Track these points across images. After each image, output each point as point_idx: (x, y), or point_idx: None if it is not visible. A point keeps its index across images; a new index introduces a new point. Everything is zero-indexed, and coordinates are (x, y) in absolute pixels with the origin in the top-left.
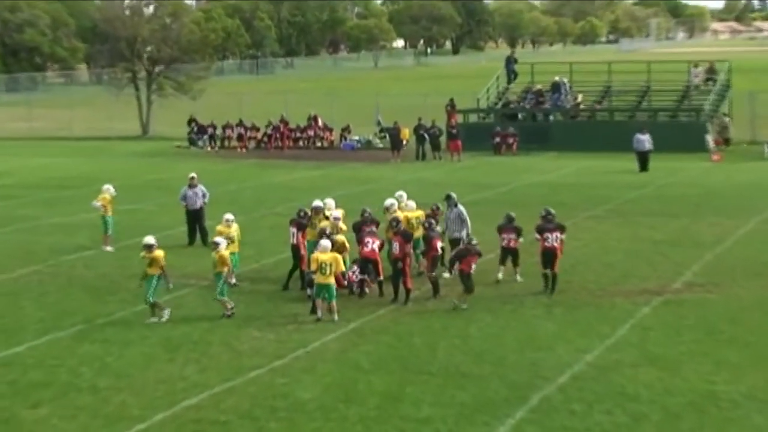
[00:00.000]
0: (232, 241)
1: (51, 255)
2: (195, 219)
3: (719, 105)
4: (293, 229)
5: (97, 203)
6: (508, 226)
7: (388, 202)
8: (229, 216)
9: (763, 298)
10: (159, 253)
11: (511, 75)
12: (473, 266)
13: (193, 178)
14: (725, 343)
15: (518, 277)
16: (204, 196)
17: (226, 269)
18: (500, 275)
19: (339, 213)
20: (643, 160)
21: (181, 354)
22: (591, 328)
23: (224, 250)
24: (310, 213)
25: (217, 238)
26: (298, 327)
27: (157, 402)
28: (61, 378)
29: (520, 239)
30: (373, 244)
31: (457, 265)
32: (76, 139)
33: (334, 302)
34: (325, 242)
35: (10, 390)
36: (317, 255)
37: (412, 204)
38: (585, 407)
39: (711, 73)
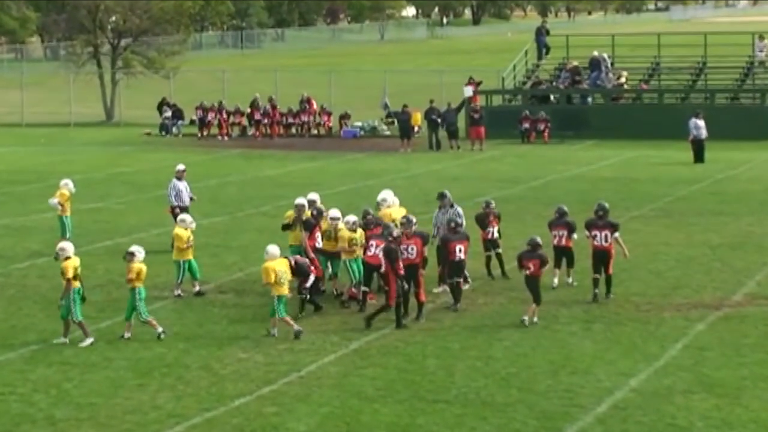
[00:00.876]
0: (189, 246)
1: None
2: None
3: None
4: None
5: (55, 200)
6: (560, 221)
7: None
8: (186, 217)
9: None
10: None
11: (543, 49)
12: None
13: (181, 170)
14: None
15: (571, 280)
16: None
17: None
18: (556, 280)
19: (337, 212)
20: (699, 149)
21: (154, 379)
22: (636, 348)
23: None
24: (319, 210)
25: (134, 248)
26: (291, 347)
27: None
28: (12, 408)
29: (574, 236)
30: (376, 248)
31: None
32: (28, 126)
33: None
34: (273, 249)
35: None
36: (271, 264)
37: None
38: None
39: None
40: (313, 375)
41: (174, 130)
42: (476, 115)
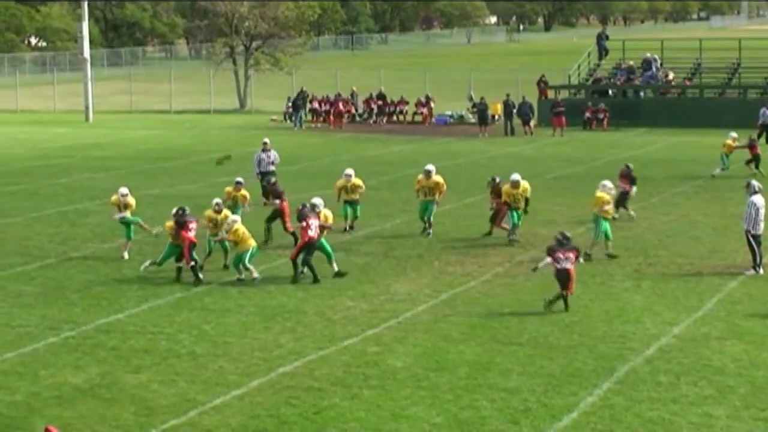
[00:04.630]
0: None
1: (151, 224)
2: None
3: None
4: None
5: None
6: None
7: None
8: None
9: None
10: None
11: (603, 51)
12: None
13: (266, 143)
14: None
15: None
16: (274, 161)
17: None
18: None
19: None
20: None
21: (277, 323)
22: (678, 302)
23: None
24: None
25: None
26: (391, 297)
27: (253, 369)
28: (161, 345)
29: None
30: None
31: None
32: (175, 113)
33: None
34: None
35: (112, 355)
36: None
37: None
38: (672, 379)
39: None
40: (408, 321)
41: (297, 117)
42: (559, 108)
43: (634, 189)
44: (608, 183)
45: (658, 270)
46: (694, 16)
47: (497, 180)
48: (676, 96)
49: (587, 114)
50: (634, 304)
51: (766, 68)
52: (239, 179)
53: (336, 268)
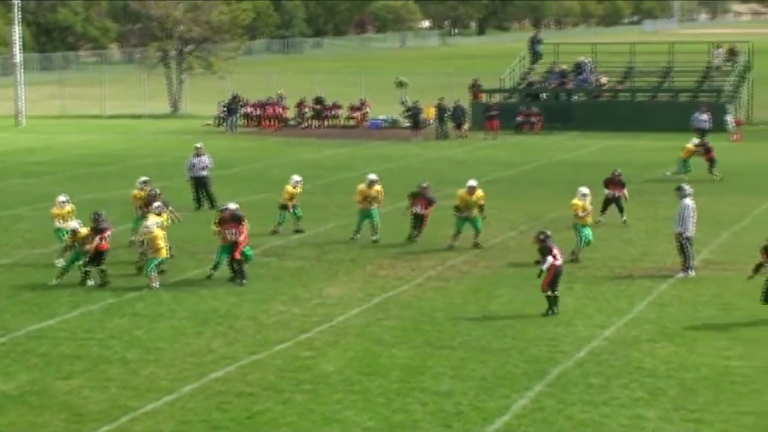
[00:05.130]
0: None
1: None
2: (200, 186)
3: (740, 86)
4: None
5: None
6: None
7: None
8: (61, 198)
9: None
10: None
11: (536, 55)
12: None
13: (199, 147)
14: (740, 320)
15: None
16: (208, 165)
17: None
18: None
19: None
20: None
21: (209, 328)
22: (610, 304)
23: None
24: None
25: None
26: (323, 302)
27: (185, 374)
28: (92, 351)
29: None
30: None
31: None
32: (108, 117)
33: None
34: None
35: (43, 362)
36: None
37: None
38: (602, 381)
39: (732, 54)
40: (341, 325)
41: (231, 121)
42: (492, 111)
43: (625, 192)
44: (584, 189)
45: (590, 273)
46: (627, 20)
47: (425, 186)
48: (609, 99)
49: (520, 117)
50: (565, 307)
51: (697, 72)
52: (144, 178)
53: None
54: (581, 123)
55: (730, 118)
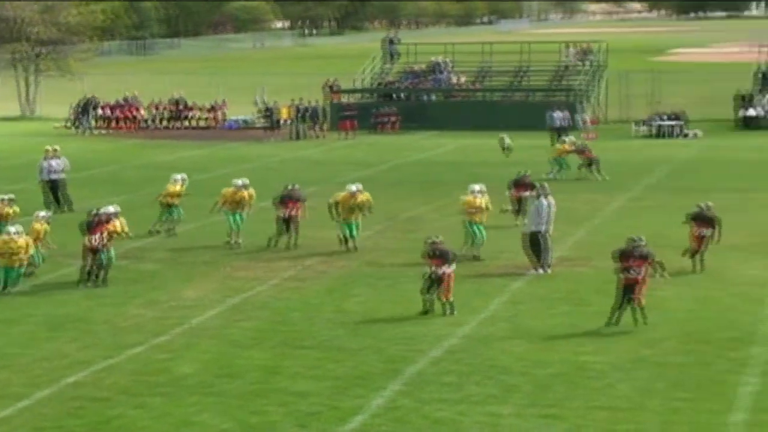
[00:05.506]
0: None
1: None
2: (54, 189)
3: (593, 85)
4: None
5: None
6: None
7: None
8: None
9: None
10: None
11: (393, 55)
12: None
13: (53, 150)
14: (593, 315)
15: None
16: (64, 168)
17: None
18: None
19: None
20: (558, 137)
21: (64, 332)
22: (465, 303)
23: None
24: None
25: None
26: (179, 304)
27: (38, 379)
28: None
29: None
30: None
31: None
32: None
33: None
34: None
35: None
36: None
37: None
38: (458, 379)
39: (585, 53)
40: (197, 327)
41: (85, 123)
42: (349, 111)
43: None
44: (476, 186)
45: None
46: (483, 20)
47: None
48: (464, 99)
49: (377, 117)
50: (421, 305)
51: (550, 71)
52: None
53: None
54: (437, 122)
55: (584, 117)
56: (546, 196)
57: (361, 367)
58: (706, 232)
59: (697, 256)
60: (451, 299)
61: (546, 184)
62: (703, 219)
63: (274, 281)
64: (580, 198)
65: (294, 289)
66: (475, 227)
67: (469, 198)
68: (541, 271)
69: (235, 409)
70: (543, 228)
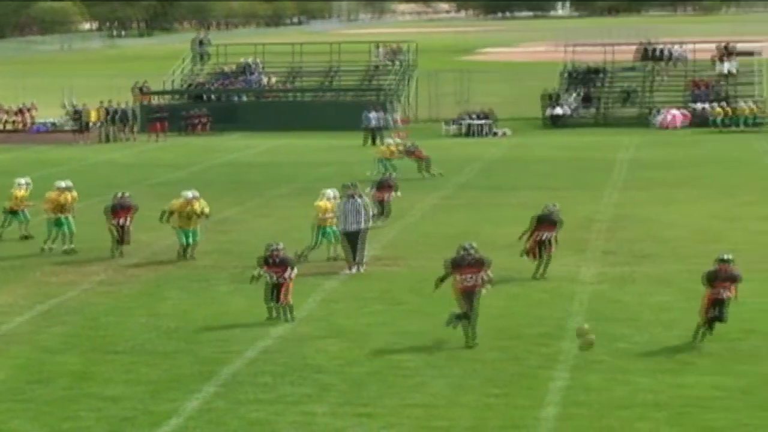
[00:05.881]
0: None
1: None
2: None
3: (402, 84)
4: None
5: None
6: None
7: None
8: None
9: (439, 267)
10: None
11: (203, 56)
12: None
13: None
14: (407, 314)
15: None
16: None
17: None
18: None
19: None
20: (373, 137)
21: None
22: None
23: None
24: None
25: None
26: None
27: None
28: None
29: None
30: None
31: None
32: None
33: None
34: None
35: None
36: None
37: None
38: (272, 380)
39: (395, 53)
40: (7, 333)
41: None
42: (159, 113)
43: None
44: (330, 192)
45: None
46: (292, 21)
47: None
48: (275, 100)
49: (187, 119)
50: (235, 308)
51: (360, 71)
52: None
53: None
54: (248, 123)
55: (395, 117)
56: (359, 196)
57: (175, 370)
58: (548, 234)
59: (542, 261)
60: (291, 302)
61: (357, 183)
62: (547, 221)
63: (85, 286)
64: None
65: (106, 293)
66: (328, 229)
67: (323, 203)
68: (354, 270)
69: (47, 415)
70: (355, 227)
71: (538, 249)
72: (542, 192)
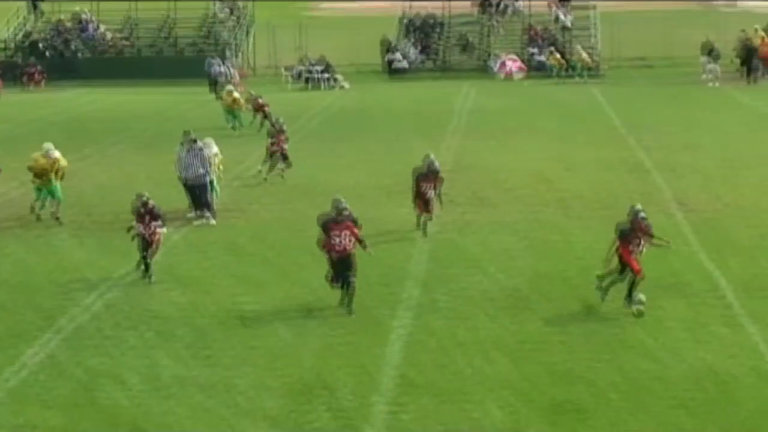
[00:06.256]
0: None
1: None
2: None
3: (240, 37)
4: None
5: None
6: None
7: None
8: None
9: (283, 218)
10: None
11: (36, 8)
12: None
13: None
14: (250, 262)
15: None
16: None
17: None
18: None
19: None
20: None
21: None
22: (122, 254)
23: None
24: None
25: None
26: None
27: None
28: None
29: None
30: None
31: None
32: None
33: None
34: None
35: None
36: None
37: None
38: (116, 330)
39: (232, 5)
40: None
41: None
42: None
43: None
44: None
45: (104, 225)
46: None
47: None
48: (114, 56)
49: (23, 74)
50: (76, 258)
51: (198, 21)
52: None
53: None
54: (87, 78)
55: (233, 70)
56: (199, 149)
57: (17, 323)
58: (428, 188)
59: (423, 218)
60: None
61: (190, 131)
62: (427, 175)
63: None
64: (229, 147)
65: None
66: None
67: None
68: (198, 217)
69: None
70: (186, 174)
71: (424, 204)
72: (379, 143)
